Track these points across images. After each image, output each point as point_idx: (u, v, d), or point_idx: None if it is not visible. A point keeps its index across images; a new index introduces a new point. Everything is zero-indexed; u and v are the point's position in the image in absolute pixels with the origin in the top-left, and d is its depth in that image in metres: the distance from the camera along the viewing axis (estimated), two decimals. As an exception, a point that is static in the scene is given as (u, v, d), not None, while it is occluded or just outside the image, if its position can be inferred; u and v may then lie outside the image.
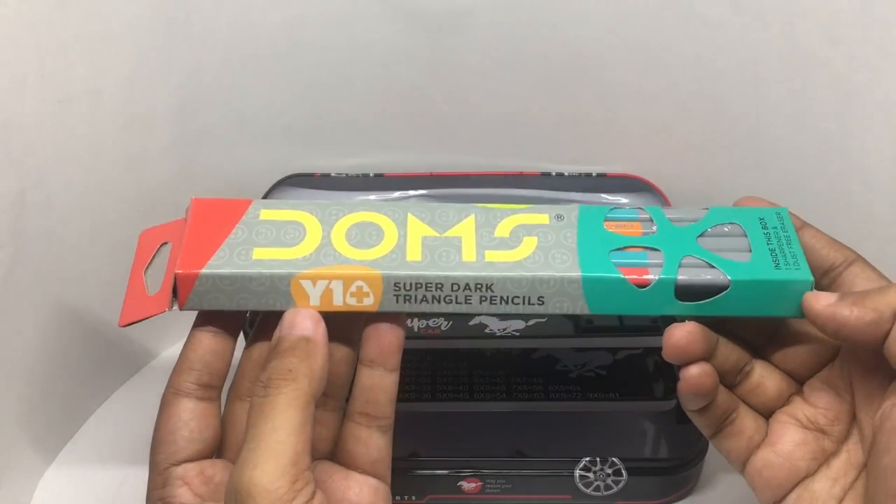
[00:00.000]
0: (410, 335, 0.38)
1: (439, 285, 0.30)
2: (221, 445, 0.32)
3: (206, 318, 0.31)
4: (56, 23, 0.40)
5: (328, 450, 0.33)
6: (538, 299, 0.30)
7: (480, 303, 0.31)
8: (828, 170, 0.46)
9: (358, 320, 0.32)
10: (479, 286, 0.30)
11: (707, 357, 0.31)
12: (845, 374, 0.31)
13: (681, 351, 0.30)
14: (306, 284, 0.30)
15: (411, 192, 0.52)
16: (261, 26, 0.47)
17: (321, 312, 0.30)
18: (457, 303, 0.30)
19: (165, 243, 0.33)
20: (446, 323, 0.44)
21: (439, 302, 0.30)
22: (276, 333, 0.30)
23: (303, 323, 0.29)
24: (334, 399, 0.33)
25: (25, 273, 0.42)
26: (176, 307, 0.30)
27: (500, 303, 0.30)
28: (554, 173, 0.51)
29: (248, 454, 0.26)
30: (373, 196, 0.52)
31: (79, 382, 0.49)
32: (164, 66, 0.46)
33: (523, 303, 0.30)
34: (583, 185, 0.51)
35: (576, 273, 0.30)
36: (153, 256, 0.32)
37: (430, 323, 0.43)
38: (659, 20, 0.46)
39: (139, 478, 0.46)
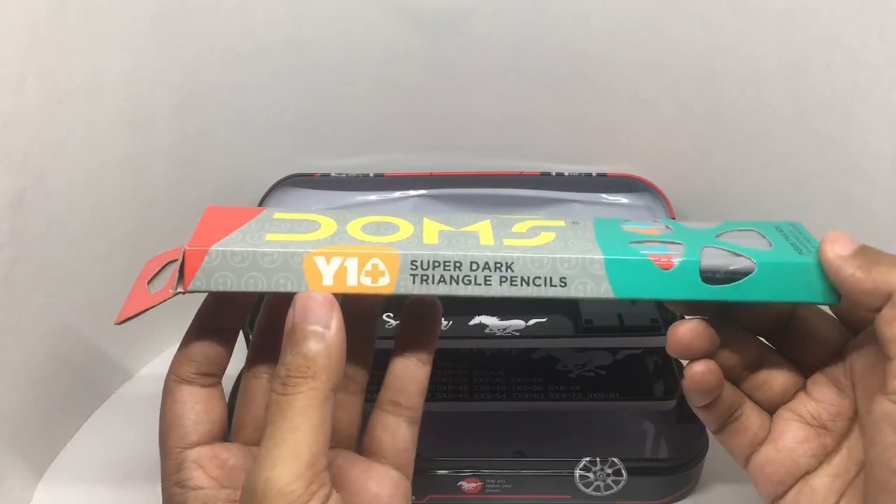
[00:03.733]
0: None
1: (458, 264, 0.30)
2: (237, 424, 0.32)
3: (208, 314, 0.31)
4: (56, 23, 0.40)
5: (349, 433, 0.33)
6: (560, 280, 0.30)
7: (500, 284, 0.30)
8: (828, 170, 0.46)
9: (375, 299, 0.31)
10: (498, 265, 0.30)
11: (711, 353, 0.31)
12: (848, 370, 0.31)
13: (685, 347, 0.30)
14: (320, 262, 0.29)
15: (411, 192, 0.52)
16: (261, 26, 0.47)
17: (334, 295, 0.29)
18: (476, 284, 0.30)
19: (171, 262, 0.32)
20: (446, 323, 0.44)
21: (458, 283, 0.30)
22: (290, 319, 0.29)
23: (317, 311, 0.28)
24: (355, 381, 0.33)
25: (25, 273, 0.42)
26: (180, 289, 0.29)
27: (521, 284, 0.30)
28: (554, 173, 0.51)
29: (265, 454, 0.26)
30: (373, 196, 0.52)
31: (78, 382, 0.49)
32: (164, 66, 0.46)
33: (545, 284, 0.30)
34: (583, 185, 0.51)
35: (598, 255, 0.30)
36: (158, 272, 0.31)
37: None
38: (659, 21, 0.46)
39: (137, 479, 0.46)
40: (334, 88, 0.50)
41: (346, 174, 0.52)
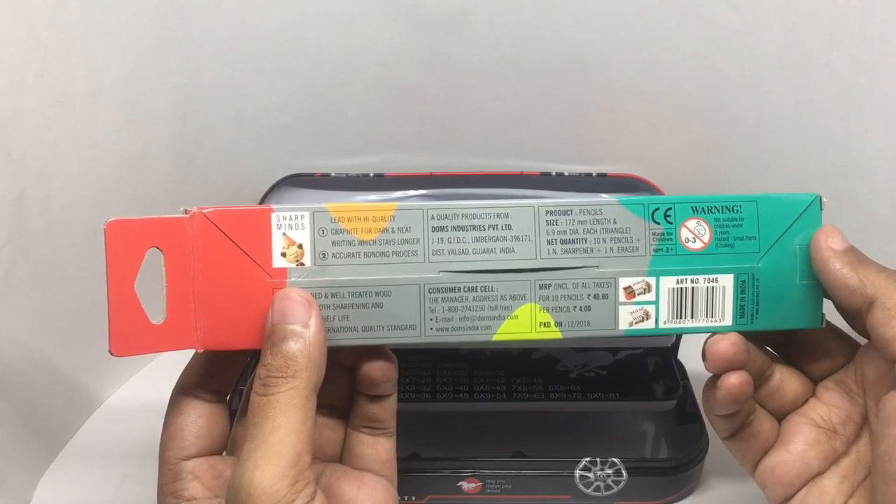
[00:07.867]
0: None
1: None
2: (235, 440, 0.32)
3: None
4: (56, 23, 0.40)
5: (336, 452, 0.33)
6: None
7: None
8: (828, 170, 0.46)
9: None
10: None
11: (745, 364, 0.31)
12: (858, 377, 0.32)
13: (729, 361, 0.30)
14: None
15: (411, 192, 0.52)
16: (261, 26, 0.47)
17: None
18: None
19: (151, 249, 0.29)
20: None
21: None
22: (268, 320, 0.29)
23: (295, 310, 0.28)
24: (339, 409, 0.33)
25: (25, 273, 0.42)
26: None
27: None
28: (554, 173, 0.51)
29: (248, 455, 0.26)
30: (373, 196, 0.52)
31: (79, 382, 0.49)
32: (164, 66, 0.46)
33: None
34: (583, 185, 0.51)
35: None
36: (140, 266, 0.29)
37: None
38: (659, 20, 0.46)
39: (139, 477, 0.46)
40: (334, 88, 0.50)
41: (346, 174, 0.51)
